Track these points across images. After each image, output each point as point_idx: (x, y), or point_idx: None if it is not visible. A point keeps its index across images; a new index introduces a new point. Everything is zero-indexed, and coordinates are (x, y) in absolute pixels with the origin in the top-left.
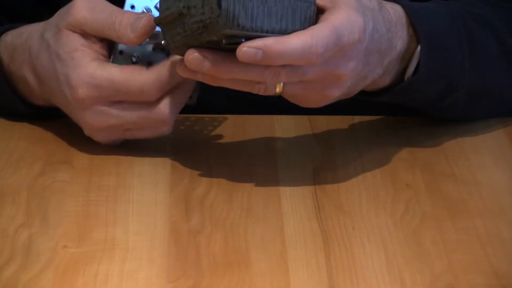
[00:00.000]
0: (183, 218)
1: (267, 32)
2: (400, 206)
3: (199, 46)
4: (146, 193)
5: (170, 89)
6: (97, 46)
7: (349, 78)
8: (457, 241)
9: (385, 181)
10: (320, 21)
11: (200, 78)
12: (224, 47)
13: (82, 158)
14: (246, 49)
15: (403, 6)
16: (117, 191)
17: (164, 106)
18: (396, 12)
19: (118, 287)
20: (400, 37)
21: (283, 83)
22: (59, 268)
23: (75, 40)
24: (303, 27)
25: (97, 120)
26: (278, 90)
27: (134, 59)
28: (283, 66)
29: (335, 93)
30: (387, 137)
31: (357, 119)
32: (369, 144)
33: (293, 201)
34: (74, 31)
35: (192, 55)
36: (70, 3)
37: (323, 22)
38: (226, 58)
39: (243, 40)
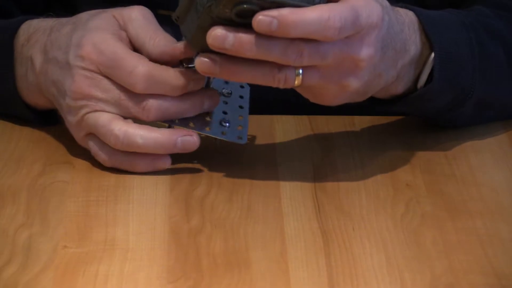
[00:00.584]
0: (183, 218)
1: (275, 0)
2: (400, 207)
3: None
4: (146, 193)
5: (158, 90)
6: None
7: (367, 66)
8: (457, 241)
9: (385, 181)
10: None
11: (217, 72)
12: (237, 22)
13: (82, 158)
14: (261, 17)
15: (416, 12)
16: (117, 191)
17: (149, 102)
18: (409, 16)
19: (118, 287)
20: (413, 41)
21: (302, 74)
22: (59, 268)
23: (112, 22)
24: (314, 2)
25: (84, 84)
26: (297, 82)
27: None
28: (306, 43)
29: (353, 83)
30: (387, 137)
31: (357, 119)
32: (369, 144)
33: (293, 201)
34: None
35: (215, 30)
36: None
37: (342, 1)
38: (247, 33)
39: (255, 8)
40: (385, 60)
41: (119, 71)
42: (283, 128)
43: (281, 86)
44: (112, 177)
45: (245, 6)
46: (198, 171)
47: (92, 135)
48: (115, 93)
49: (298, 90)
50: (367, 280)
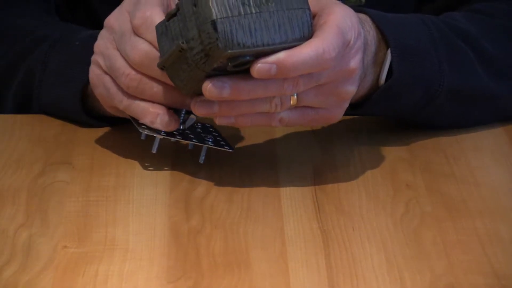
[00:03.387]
0: (183, 218)
1: (268, 45)
2: (400, 206)
3: (207, 78)
4: (146, 193)
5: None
6: None
7: (359, 70)
8: (457, 241)
9: (385, 181)
10: (320, 24)
11: (217, 112)
12: (231, 71)
13: (82, 158)
14: (260, 65)
15: (367, 13)
16: (117, 191)
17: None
18: (362, 16)
19: (118, 287)
20: (373, 37)
21: (297, 95)
22: (59, 268)
23: None
24: (302, 33)
25: (98, 44)
26: (292, 102)
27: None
28: (301, 75)
29: (350, 89)
30: (387, 137)
31: (357, 119)
32: (369, 144)
33: (293, 201)
34: None
35: (210, 84)
36: None
37: (326, 24)
38: (243, 79)
39: (248, 58)
40: (362, 60)
41: (121, 37)
42: (283, 128)
43: (279, 109)
44: (112, 177)
45: (240, 59)
46: (198, 171)
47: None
48: (115, 62)
49: (309, 123)
50: (367, 280)
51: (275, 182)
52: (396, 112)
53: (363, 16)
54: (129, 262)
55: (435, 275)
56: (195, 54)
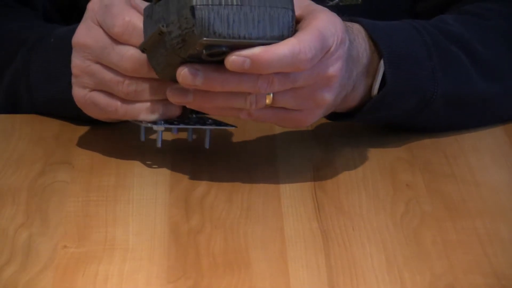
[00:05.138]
0: (183, 218)
1: (244, 38)
2: (400, 206)
3: (182, 64)
4: (146, 193)
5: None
6: None
7: (339, 78)
8: (457, 241)
9: (385, 181)
10: (302, 27)
11: (191, 101)
12: (206, 60)
13: (82, 158)
14: (234, 57)
15: (360, 22)
16: (117, 191)
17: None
18: (355, 26)
19: (118, 287)
20: (364, 49)
21: (273, 94)
22: (59, 268)
23: None
24: (281, 32)
25: (76, 65)
26: (268, 101)
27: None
28: (276, 74)
29: (327, 97)
30: (387, 137)
31: None
32: (369, 144)
33: (293, 201)
34: None
35: (184, 70)
36: None
37: (308, 27)
38: (217, 70)
39: (224, 49)
40: (348, 70)
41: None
42: (283, 128)
43: (253, 107)
44: (112, 177)
45: (215, 49)
46: (198, 171)
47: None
48: (105, 51)
49: (278, 123)
50: (367, 280)
51: (275, 182)
52: (390, 120)
53: (357, 27)
54: (129, 262)
55: (435, 275)
56: (172, 38)
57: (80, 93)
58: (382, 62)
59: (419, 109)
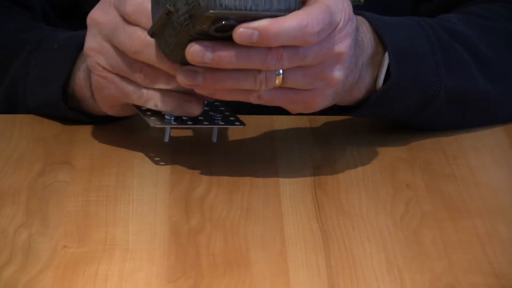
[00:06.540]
0: (183, 218)
1: (251, 10)
2: (400, 206)
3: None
4: (146, 193)
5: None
6: None
7: (348, 56)
8: (457, 241)
9: (385, 181)
10: (309, 3)
11: (201, 83)
12: (215, 36)
13: (82, 158)
14: (242, 29)
15: (364, 15)
16: (117, 191)
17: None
18: (360, 19)
19: (118, 287)
20: (369, 40)
21: (283, 74)
22: (59, 268)
23: None
24: (288, 5)
25: (91, 44)
26: (277, 82)
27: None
28: (284, 48)
29: (337, 75)
30: (387, 137)
31: (357, 119)
32: (369, 144)
33: (293, 201)
34: None
35: (193, 47)
36: None
37: (316, 2)
38: (226, 46)
39: (231, 22)
40: (355, 54)
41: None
42: (283, 128)
43: (263, 87)
44: (112, 177)
45: (223, 22)
46: (198, 171)
47: None
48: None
49: (288, 106)
50: (367, 280)
51: (275, 182)
52: (393, 115)
53: (360, 18)
54: (129, 262)
55: (435, 275)
56: (180, 16)
57: (100, 73)
58: (387, 54)
59: (422, 105)
